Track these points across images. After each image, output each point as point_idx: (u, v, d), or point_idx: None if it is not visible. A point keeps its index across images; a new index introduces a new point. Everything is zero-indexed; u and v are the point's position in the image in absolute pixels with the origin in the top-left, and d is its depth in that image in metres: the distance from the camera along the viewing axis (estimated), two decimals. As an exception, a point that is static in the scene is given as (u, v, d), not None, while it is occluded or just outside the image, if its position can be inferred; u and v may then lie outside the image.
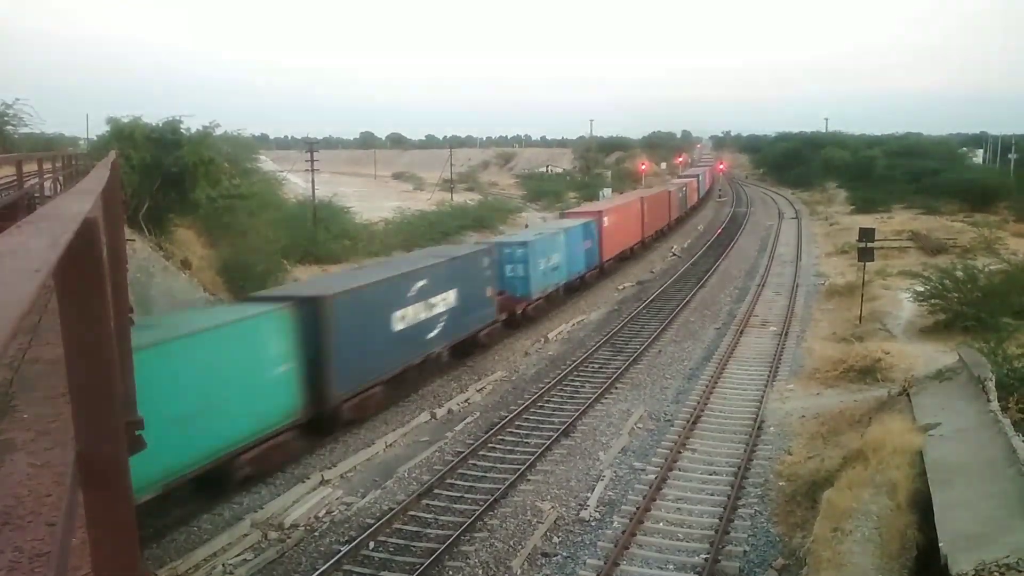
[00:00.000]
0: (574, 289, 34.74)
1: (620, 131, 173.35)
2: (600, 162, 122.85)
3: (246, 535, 13.88)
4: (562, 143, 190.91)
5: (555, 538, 13.65)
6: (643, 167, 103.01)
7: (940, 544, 9.31)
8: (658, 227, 53.23)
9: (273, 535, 13.98)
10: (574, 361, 24.20)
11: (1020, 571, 8.19)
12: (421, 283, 21.10)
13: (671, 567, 12.51)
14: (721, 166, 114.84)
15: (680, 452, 16.86)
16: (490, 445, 17.76)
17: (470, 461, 16.89)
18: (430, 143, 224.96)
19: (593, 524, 14.08)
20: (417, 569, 12.44)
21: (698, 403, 19.76)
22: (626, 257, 43.63)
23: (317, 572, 12.52)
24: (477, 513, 14.26)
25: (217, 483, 14.82)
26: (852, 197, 71.51)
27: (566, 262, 32.40)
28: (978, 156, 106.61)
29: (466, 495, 15.30)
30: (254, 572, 12.80)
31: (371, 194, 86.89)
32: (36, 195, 12.29)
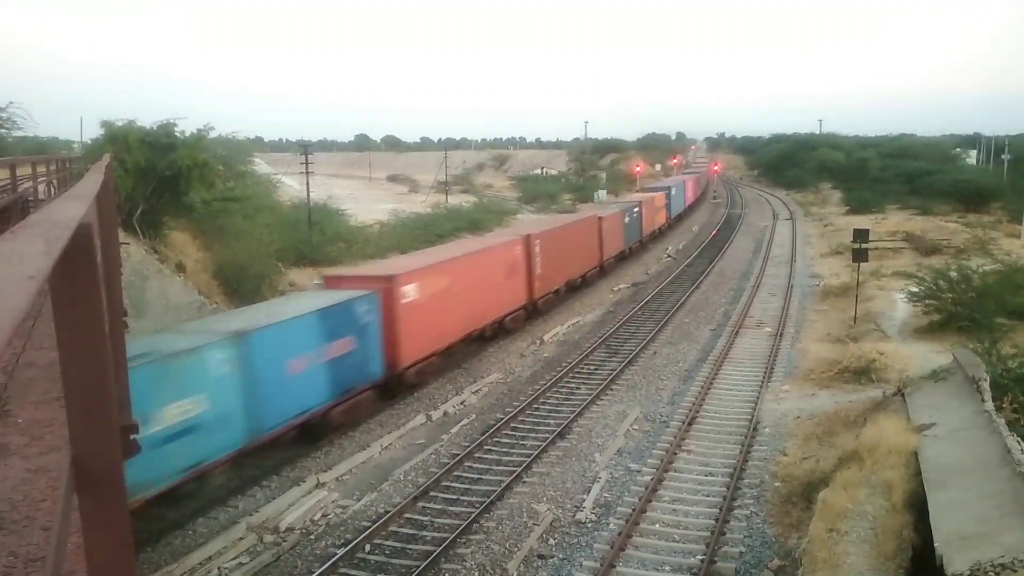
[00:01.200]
0: (297, 439, 17.50)
1: (615, 133, 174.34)
2: (595, 164, 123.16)
3: (241, 538, 13.86)
4: (557, 145, 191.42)
5: (551, 540, 13.65)
6: (638, 169, 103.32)
7: (935, 544, 9.33)
8: (575, 274, 35.37)
9: (268, 538, 13.96)
10: (570, 363, 24.21)
11: (1015, 571, 8.21)
12: None
13: (667, 568, 12.52)
14: (716, 168, 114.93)
15: (676, 453, 16.88)
16: (486, 447, 17.75)
17: (466, 463, 16.88)
18: (425, 145, 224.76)
19: (589, 526, 14.08)
20: (413, 572, 12.43)
21: (693, 404, 19.79)
22: (482, 337, 26.25)
23: (313, 575, 12.51)
24: (473, 515, 14.25)
25: None
26: (846, 198, 71.83)
27: (241, 405, 14.92)
28: (971, 157, 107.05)
29: (462, 497, 15.29)
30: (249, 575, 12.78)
31: (366, 196, 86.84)
32: (30, 199, 12.26)
